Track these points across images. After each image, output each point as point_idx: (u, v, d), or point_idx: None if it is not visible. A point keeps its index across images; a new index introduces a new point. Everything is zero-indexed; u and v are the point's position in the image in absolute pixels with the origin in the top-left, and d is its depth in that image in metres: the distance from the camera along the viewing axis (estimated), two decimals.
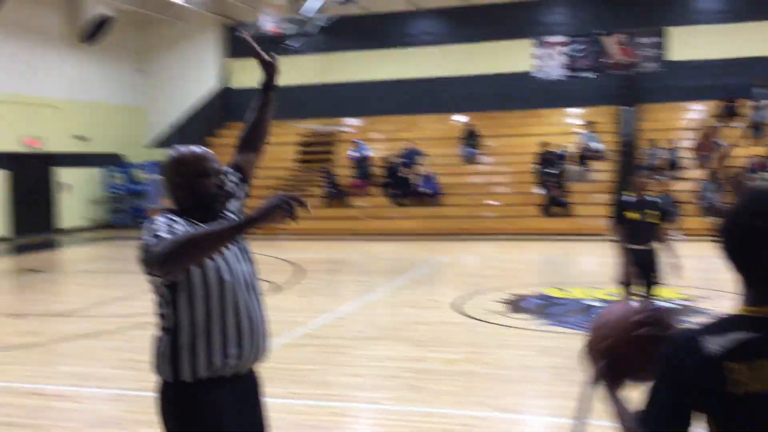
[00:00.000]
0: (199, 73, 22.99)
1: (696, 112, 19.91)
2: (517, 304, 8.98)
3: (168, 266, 2.26)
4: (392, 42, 22.24)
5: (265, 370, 6.53)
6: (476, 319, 8.18)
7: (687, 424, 1.51)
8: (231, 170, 2.81)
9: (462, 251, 15.07)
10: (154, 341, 2.54)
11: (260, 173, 19.11)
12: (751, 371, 1.45)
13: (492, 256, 14.76)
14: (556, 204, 17.56)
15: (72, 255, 16.74)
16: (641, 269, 6.59)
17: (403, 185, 18.82)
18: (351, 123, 22.53)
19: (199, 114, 23.30)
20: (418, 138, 20.86)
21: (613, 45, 20.56)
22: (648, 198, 6.71)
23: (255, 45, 2.91)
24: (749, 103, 18.63)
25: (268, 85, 2.99)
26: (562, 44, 20.85)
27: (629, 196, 6.75)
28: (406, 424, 4.91)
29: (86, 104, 21.35)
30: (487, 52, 21.37)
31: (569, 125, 20.64)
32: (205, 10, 22.13)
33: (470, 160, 20.00)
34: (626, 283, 6.61)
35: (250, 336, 2.54)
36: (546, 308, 8.80)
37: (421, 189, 18.65)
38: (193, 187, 2.54)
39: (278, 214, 2.18)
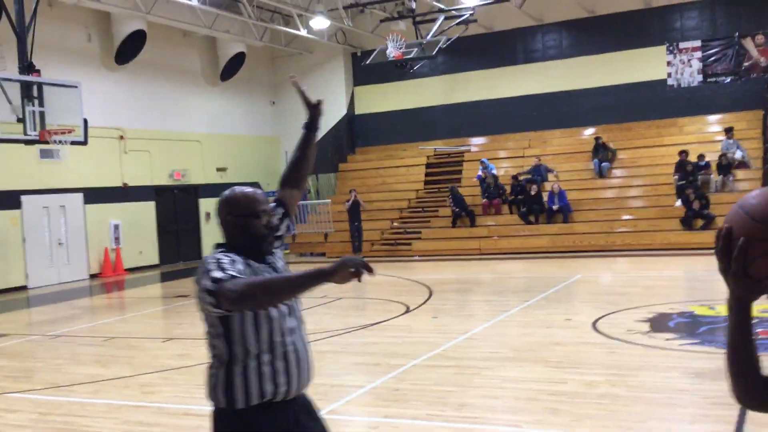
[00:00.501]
0: (329, 101, 23.59)
1: None
2: (660, 323, 8.57)
3: (241, 305, 2.42)
4: (517, 58, 22.07)
5: (403, 392, 6.60)
6: (617, 339, 7.89)
7: None
8: (275, 206, 2.98)
9: (596, 269, 14.59)
10: (207, 369, 2.72)
11: (389, 195, 19.54)
12: None
13: (629, 273, 14.19)
14: (697, 216, 16.68)
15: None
16: None
17: (532, 202, 18.51)
18: (477, 142, 22.48)
19: (330, 140, 24.00)
20: (547, 154, 20.51)
21: (752, 47, 19.39)
22: None
23: (302, 88, 3.10)
24: None
25: (311, 126, 3.15)
26: (697, 49, 19.89)
27: None
28: None
29: (225, 137, 22.56)
30: (615, 62, 20.75)
31: (709, 133, 19.63)
32: (331, 41, 22.88)
33: (602, 174, 19.41)
34: None
35: (296, 365, 2.68)
36: (692, 327, 8.35)
37: (551, 205, 18.28)
38: (243, 227, 2.71)
39: (347, 273, 2.28)
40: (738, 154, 18.02)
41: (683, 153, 17.95)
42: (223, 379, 2.65)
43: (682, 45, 20.02)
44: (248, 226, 2.71)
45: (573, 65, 21.33)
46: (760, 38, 19.25)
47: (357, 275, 2.30)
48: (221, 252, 2.65)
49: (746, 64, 19.47)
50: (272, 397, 2.64)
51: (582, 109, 21.05)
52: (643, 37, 20.46)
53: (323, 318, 10.66)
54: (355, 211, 18.76)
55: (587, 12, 20.92)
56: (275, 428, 2.65)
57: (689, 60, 19.96)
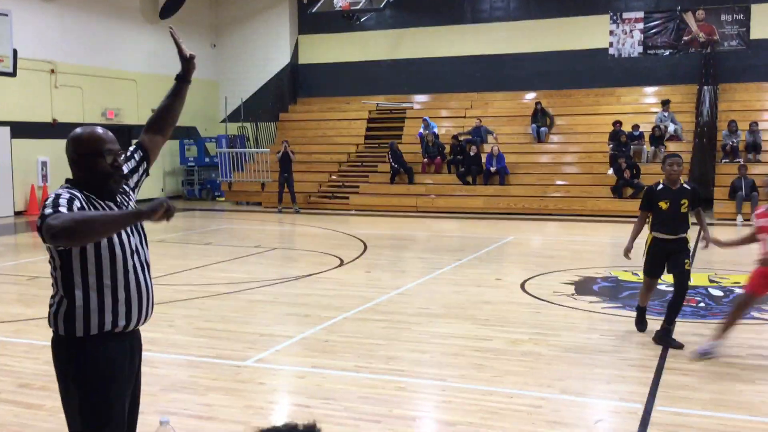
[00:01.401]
0: (272, 49, 23.23)
1: None
2: (585, 286, 8.85)
3: (60, 239, 2.49)
4: (464, 18, 22.00)
5: (332, 344, 6.66)
6: (542, 300, 8.11)
7: None
8: (135, 148, 3.12)
9: (528, 231, 14.91)
10: (51, 298, 2.82)
11: (329, 148, 19.36)
12: None
13: (559, 237, 14.56)
14: (627, 185, 17.15)
15: (147, 225, 17.30)
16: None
17: (471, 163, 18.68)
18: (420, 100, 22.46)
19: (271, 89, 23.59)
20: (488, 115, 20.66)
21: (693, 21, 19.82)
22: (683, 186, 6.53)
23: (178, 39, 3.19)
24: None
25: (184, 77, 3.26)
26: (640, 20, 20.21)
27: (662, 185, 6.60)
28: (471, 402, 4.93)
29: (162, 77, 21.82)
30: (560, 29, 20.92)
31: (645, 104, 20.09)
32: None
33: (540, 138, 19.70)
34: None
35: (138, 304, 2.83)
36: (615, 291, 8.65)
37: (489, 167, 18.48)
38: (88, 165, 2.82)
39: (162, 213, 2.48)
40: (671, 127, 18.52)
41: (617, 123, 18.34)
42: (65, 308, 2.74)
43: (625, 15, 20.31)
44: (93, 164, 2.81)
45: (518, 28, 21.40)
46: (701, 13, 19.68)
47: (167, 216, 2.49)
48: (66, 188, 2.75)
49: (686, 38, 19.91)
50: (111, 329, 2.76)
51: (524, 73, 21.20)
52: (589, 4, 20.65)
53: (256, 267, 10.62)
54: (285, 163, 18.55)
55: None
56: (112, 358, 2.77)
57: (631, 31, 20.29)
